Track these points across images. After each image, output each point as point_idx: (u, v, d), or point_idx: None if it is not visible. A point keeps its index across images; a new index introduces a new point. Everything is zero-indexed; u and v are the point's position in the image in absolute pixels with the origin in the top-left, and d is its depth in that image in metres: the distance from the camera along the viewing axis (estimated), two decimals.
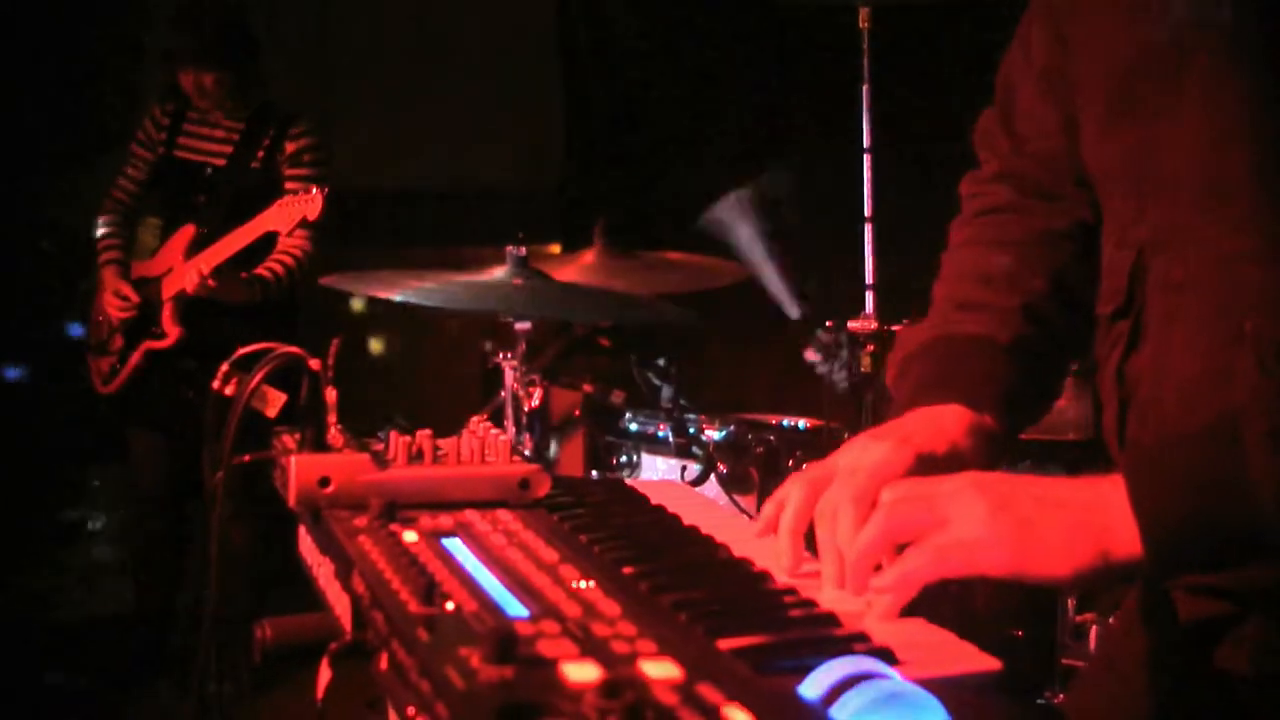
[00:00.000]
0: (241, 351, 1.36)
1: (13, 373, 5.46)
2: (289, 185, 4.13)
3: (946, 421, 1.32)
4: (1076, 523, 1.07)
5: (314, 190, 3.88)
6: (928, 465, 1.25)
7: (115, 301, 4.16)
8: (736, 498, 3.10)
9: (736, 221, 3.40)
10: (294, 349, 1.30)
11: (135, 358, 4.18)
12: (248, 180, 4.17)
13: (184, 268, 4.06)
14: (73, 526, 5.66)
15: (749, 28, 4.51)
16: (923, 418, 1.33)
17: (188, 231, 4.12)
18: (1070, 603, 2.93)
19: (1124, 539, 1.06)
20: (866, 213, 2.74)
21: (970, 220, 1.57)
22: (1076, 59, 1.41)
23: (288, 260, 4.12)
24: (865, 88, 2.71)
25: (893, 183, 2.79)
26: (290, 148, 4.18)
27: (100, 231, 4.32)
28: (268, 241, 4.09)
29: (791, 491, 1.23)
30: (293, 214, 3.90)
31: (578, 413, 3.69)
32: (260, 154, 4.18)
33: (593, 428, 3.60)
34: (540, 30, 6.56)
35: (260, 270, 4.08)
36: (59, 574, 5.37)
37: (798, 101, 4.84)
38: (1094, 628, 2.87)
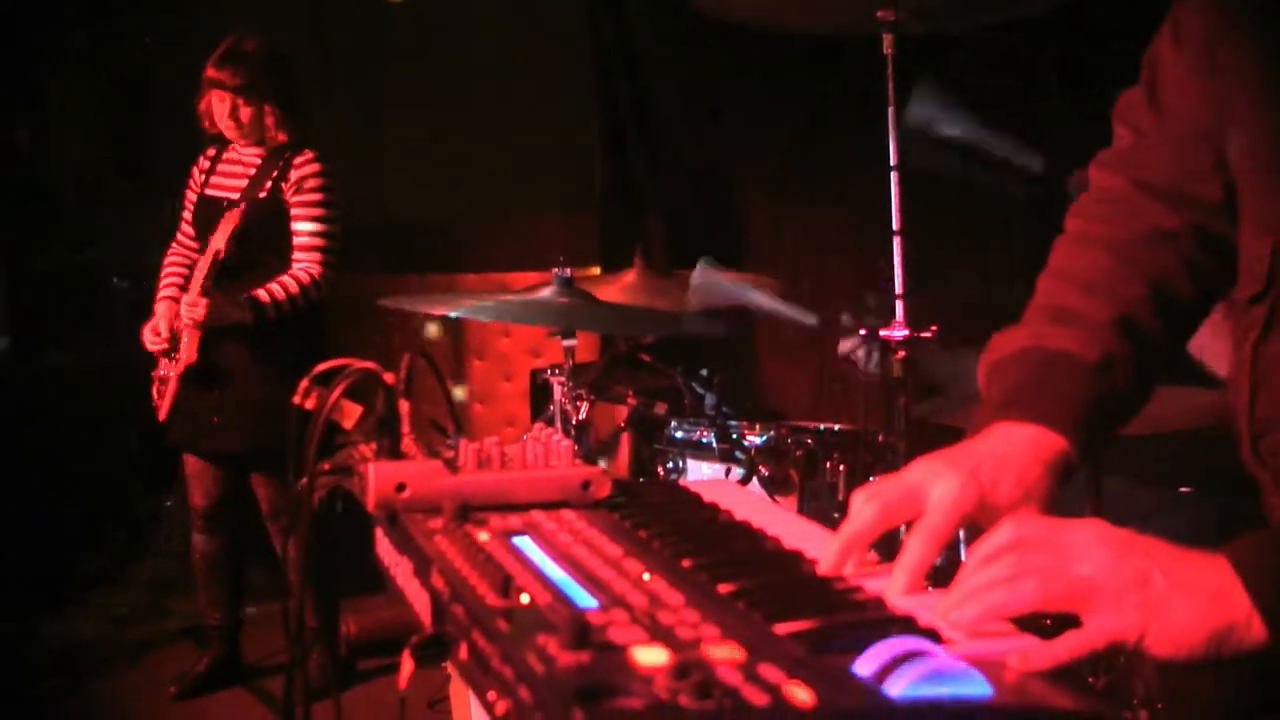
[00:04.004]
0: (320, 368, 1.39)
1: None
2: (294, 212, 4.17)
3: (1019, 453, 1.29)
4: (1204, 610, 1.05)
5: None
6: (988, 510, 1.23)
7: (151, 337, 4.25)
8: (777, 499, 3.12)
9: (712, 291, 3.46)
10: (370, 365, 1.33)
11: (172, 386, 4.24)
12: (256, 209, 4.18)
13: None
14: (147, 545, 5.75)
15: (780, 55, 4.54)
16: (997, 447, 1.30)
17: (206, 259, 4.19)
18: None
19: (1246, 632, 1.05)
20: (895, 226, 2.75)
21: (1086, 208, 1.52)
22: (1231, 45, 1.36)
23: (289, 283, 4.13)
24: (891, 110, 2.73)
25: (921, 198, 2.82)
26: (294, 175, 4.19)
27: (161, 274, 4.42)
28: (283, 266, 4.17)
29: (863, 508, 1.21)
30: (226, 229, 4.05)
31: (623, 424, 3.72)
32: (268, 184, 4.22)
33: (638, 438, 3.62)
34: (576, 64, 6.61)
35: (256, 292, 4.10)
36: (134, 590, 5.45)
37: (828, 125, 4.86)
38: None
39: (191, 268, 4.36)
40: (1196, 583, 1.06)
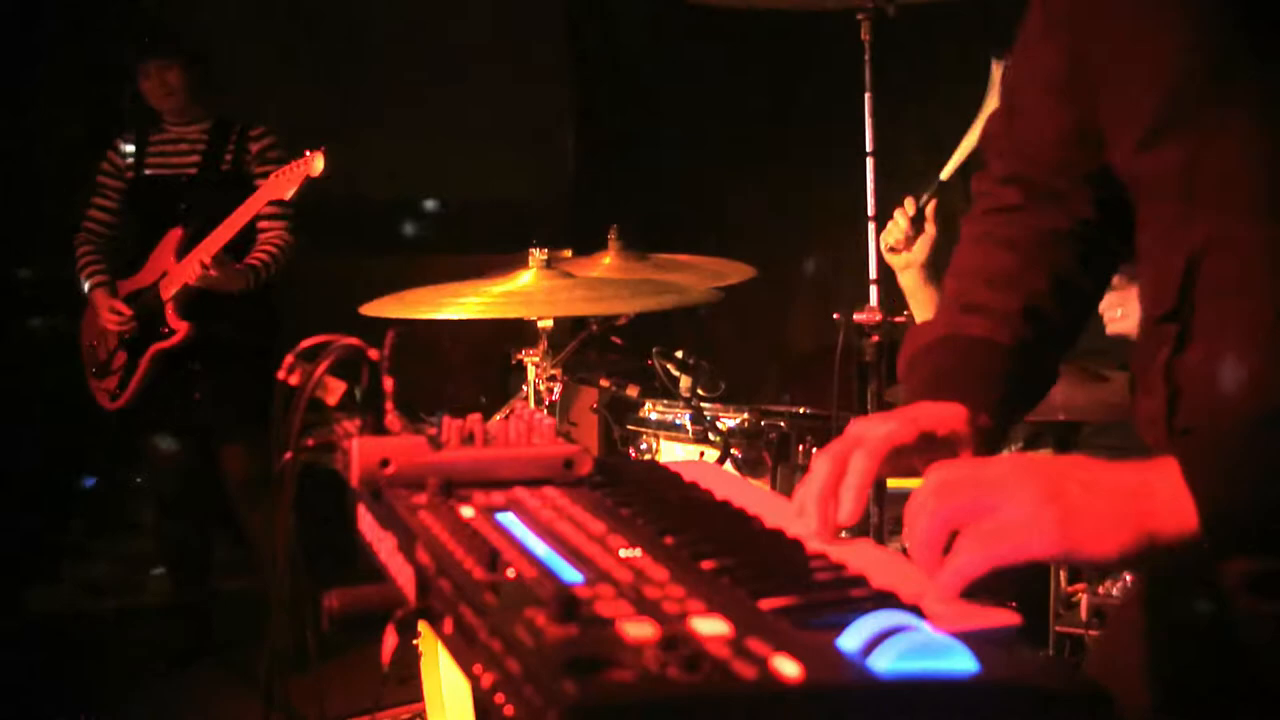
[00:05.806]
0: (305, 344, 1.38)
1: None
2: (261, 182, 4.19)
3: (947, 414, 1.35)
4: (1123, 506, 1.05)
5: (309, 152, 3.93)
6: (930, 441, 1.30)
7: (112, 318, 4.18)
8: (750, 480, 3.13)
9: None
10: (354, 340, 1.32)
11: (143, 366, 4.20)
12: (222, 182, 4.23)
13: (179, 267, 4.11)
14: (119, 521, 5.72)
15: (756, 37, 4.55)
16: (927, 407, 1.37)
17: (175, 234, 4.17)
18: (1061, 574, 2.97)
19: (1170, 521, 1.04)
20: (870, 212, 2.77)
21: (980, 218, 1.58)
22: (1102, 72, 1.38)
23: (272, 250, 4.20)
24: (867, 95, 2.74)
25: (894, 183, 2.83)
26: (255, 148, 4.27)
27: (82, 261, 4.33)
28: (250, 237, 4.18)
29: (816, 466, 1.26)
30: (293, 178, 3.94)
31: (594, 405, 3.72)
32: (228, 157, 4.25)
33: (609, 419, 3.63)
34: (551, 44, 6.59)
35: (251, 260, 4.15)
36: (109, 565, 5.42)
37: (802, 107, 4.87)
38: (1084, 597, 2.92)
39: (108, 252, 4.32)
40: (1116, 483, 1.07)
